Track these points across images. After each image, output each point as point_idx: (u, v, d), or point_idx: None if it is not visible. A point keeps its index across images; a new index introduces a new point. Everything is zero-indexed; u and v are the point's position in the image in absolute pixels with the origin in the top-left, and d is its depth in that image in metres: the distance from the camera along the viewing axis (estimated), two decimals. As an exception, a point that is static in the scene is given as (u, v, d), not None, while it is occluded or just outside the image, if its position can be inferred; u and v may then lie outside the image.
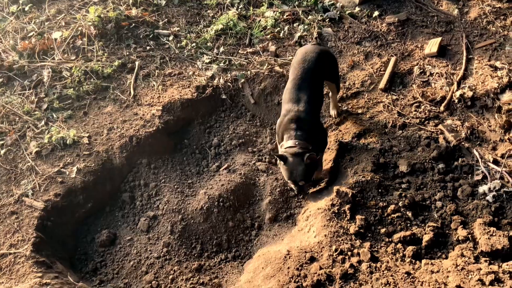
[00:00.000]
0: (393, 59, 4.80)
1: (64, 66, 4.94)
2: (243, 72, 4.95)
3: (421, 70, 4.75)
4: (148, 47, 5.28)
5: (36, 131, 4.36)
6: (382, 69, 4.75)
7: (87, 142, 4.28)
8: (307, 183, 3.76)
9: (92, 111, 4.62)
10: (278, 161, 3.78)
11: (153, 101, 4.71)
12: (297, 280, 3.09)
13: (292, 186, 3.88)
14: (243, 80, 4.91)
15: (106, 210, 4.15)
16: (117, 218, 4.11)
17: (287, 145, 3.68)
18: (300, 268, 3.17)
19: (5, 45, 5.15)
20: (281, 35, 5.33)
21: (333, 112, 4.54)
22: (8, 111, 4.51)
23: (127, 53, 5.20)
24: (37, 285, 3.25)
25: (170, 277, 3.59)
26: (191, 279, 3.58)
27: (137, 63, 5.07)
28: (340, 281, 3.00)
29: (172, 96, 4.74)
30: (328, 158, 4.20)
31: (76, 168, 4.05)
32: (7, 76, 4.90)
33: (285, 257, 3.34)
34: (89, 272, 3.74)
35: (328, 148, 4.31)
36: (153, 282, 3.56)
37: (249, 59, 5.10)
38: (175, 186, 4.26)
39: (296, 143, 3.64)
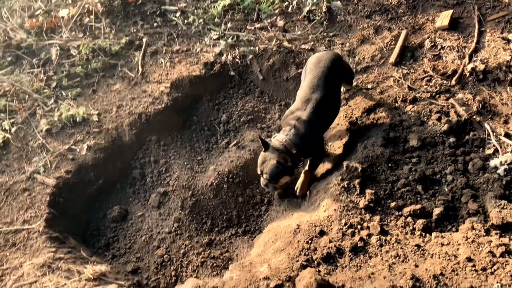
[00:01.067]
0: (403, 33, 4.72)
1: (72, 44, 4.94)
2: (251, 48, 4.90)
3: (432, 44, 4.66)
4: (155, 24, 5.24)
5: (46, 109, 4.38)
6: (392, 43, 4.68)
7: (97, 119, 4.29)
8: (270, 181, 3.63)
9: (100, 89, 4.62)
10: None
11: (161, 78, 4.69)
12: (307, 253, 3.11)
13: (260, 177, 3.75)
14: (251, 56, 4.87)
15: (117, 187, 4.20)
16: (128, 194, 4.15)
17: (277, 136, 3.66)
18: (310, 241, 3.19)
19: (13, 24, 5.14)
20: (289, 9, 5.25)
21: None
22: (17, 89, 4.53)
23: (134, 30, 5.17)
24: (51, 259, 3.31)
25: (182, 251, 3.64)
26: (202, 253, 3.63)
27: (144, 40, 5.04)
28: (350, 254, 3.01)
29: (180, 73, 4.72)
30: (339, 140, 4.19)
31: (86, 146, 4.08)
32: (15, 55, 4.91)
33: (295, 231, 3.35)
34: (102, 247, 3.80)
35: (338, 124, 4.29)
36: (165, 256, 3.61)
37: (257, 35, 5.04)
38: (185, 163, 4.28)
39: (284, 140, 3.59)
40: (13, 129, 4.20)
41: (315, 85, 3.73)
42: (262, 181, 3.72)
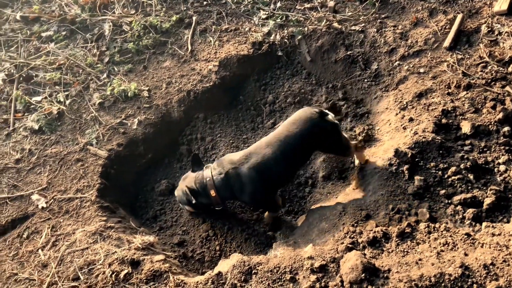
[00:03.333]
0: (459, 17, 4.56)
1: (124, 20, 5.03)
2: (300, 28, 4.86)
3: (489, 29, 4.49)
4: (205, 2, 5.27)
5: (98, 83, 4.51)
6: (447, 27, 4.53)
7: (147, 95, 4.39)
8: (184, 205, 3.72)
9: (151, 65, 4.71)
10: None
11: (209, 57, 4.73)
12: (352, 235, 3.11)
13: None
14: (299, 36, 4.83)
15: (165, 162, 4.30)
16: (175, 169, 4.25)
17: (205, 171, 3.50)
18: (355, 224, 3.19)
19: (68, -1, 5.29)
20: (340, -10, 5.16)
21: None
22: (72, 63, 4.68)
23: (185, 8, 5.21)
24: (102, 227, 3.44)
25: (226, 227, 3.71)
26: (246, 230, 3.69)
27: (194, 18, 5.08)
28: (396, 239, 2.99)
29: (229, 52, 4.75)
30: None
31: (137, 120, 4.19)
32: (70, 29, 5.06)
33: (340, 213, 3.36)
34: (149, 219, 3.92)
35: (387, 108, 4.22)
36: (210, 231, 3.69)
37: (307, 15, 4.99)
38: (230, 141, 4.33)
39: (208, 179, 3.43)
40: (67, 101, 4.35)
41: (272, 142, 3.39)
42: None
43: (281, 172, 3.47)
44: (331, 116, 3.49)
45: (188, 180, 3.55)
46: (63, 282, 3.05)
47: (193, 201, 3.49)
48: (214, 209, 3.70)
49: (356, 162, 3.86)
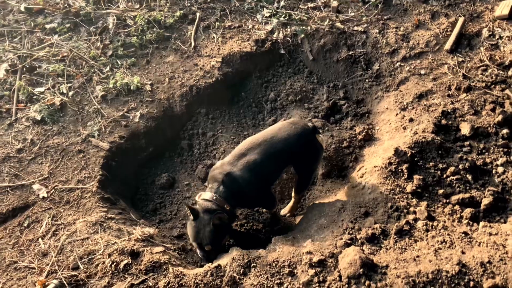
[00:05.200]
0: (461, 20, 4.61)
1: (128, 14, 5.05)
2: (303, 27, 4.89)
3: (490, 33, 4.54)
4: (209, -1, 5.30)
5: (101, 76, 4.52)
6: (448, 30, 4.58)
7: (150, 89, 4.41)
8: (214, 249, 3.15)
9: (154, 60, 4.73)
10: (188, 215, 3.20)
11: (213, 53, 4.76)
12: (351, 232, 3.14)
13: (198, 250, 3.23)
14: (302, 35, 4.86)
15: (166, 156, 4.32)
16: (175, 163, 4.27)
17: (203, 195, 3.20)
18: (354, 221, 3.22)
19: (73, -8, 5.30)
20: (344, -9, 5.20)
21: (284, 210, 3.93)
22: (75, 55, 4.69)
23: (189, 4, 5.24)
24: (103, 218, 3.45)
25: (226, 221, 3.73)
26: (246, 225, 3.71)
27: (198, 14, 5.10)
28: (395, 236, 3.02)
29: (232, 48, 4.77)
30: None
31: (139, 113, 4.21)
32: (74, 22, 5.07)
33: (339, 210, 3.39)
34: (149, 211, 3.94)
35: (387, 108, 4.26)
36: (210, 225, 3.71)
37: (310, 14, 5.02)
38: (232, 137, 4.36)
39: (214, 197, 3.14)
40: (70, 93, 4.36)
41: (256, 145, 3.32)
42: (201, 254, 3.21)
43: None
44: (321, 137, 3.50)
45: (203, 221, 3.07)
46: (62, 271, 3.07)
47: (227, 221, 3.15)
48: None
49: (284, 210, 3.89)
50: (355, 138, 4.20)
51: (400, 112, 4.09)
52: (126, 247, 3.17)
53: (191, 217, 3.07)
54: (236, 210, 3.41)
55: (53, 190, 3.67)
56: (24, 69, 4.60)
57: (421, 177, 3.42)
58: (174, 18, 5.04)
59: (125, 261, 3.08)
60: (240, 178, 3.21)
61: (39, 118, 4.14)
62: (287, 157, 3.43)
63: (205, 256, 3.18)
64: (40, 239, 3.34)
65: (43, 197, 3.62)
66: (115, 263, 3.07)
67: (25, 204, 3.60)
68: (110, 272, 3.03)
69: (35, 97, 4.36)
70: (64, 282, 2.98)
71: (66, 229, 3.40)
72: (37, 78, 4.54)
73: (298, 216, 3.86)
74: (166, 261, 3.10)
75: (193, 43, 4.83)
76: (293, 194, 3.75)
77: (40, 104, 4.24)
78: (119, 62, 4.67)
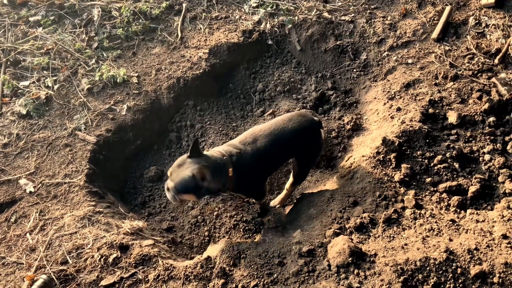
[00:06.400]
0: (447, 8, 4.62)
1: (113, 5, 4.99)
2: (291, 17, 4.87)
3: (477, 21, 4.55)
4: (195, -11, 5.25)
5: (87, 68, 4.47)
6: (435, 19, 4.59)
7: (136, 81, 4.36)
8: (175, 191, 2.91)
9: (140, 52, 4.69)
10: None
11: (200, 44, 4.72)
12: (340, 221, 3.16)
13: (167, 182, 2.99)
14: (290, 25, 4.84)
15: (154, 148, 4.29)
16: (164, 156, 4.25)
17: (219, 148, 3.18)
18: (343, 210, 3.23)
19: (56, -17, 5.21)
20: (331, -20, 5.18)
21: (275, 201, 3.89)
22: (60, 48, 4.63)
23: (175, -5, 5.18)
24: (91, 212, 3.43)
25: (215, 213, 3.73)
26: (235, 216, 3.71)
27: (184, 5, 5.05)
28: (383, 225, 3.04)
29: (219, 39, 4.74)
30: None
31: (126, 106, 4.17)
32: (58, 14, 5.00)
33: (328, 200, 3.40)
34: (138, 204, 3.93)
35: (375, 98, 4.27)
36: (199, 217, 3.71)
37: (297, 4, 5.00)
38: (220, 129, 4.34)
39: (229, 151, 3.10)
40: (55, 87, 4.31)
41: (267, 134, 3.26)
42: (166, 186, 2.97)
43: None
44: (323, 133, 3.51)
45: (191, 163, 2.87)
46: (51, 265, 3.05)
47: (205, 185, 2.89)
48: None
49: (274, 201, 3.87)
50: (343, 128, 4.21)
51: (387, 102, 4.10)
52: (115, 240, 3.16)
53: (189, 152, 2.90)
54: (227, 191, 3.32)
55: (40, 184, 3.64)
56: (8, 63, 4.53)
57: (409, 166, 3.44)
58: (160, 9, 4.98)
59: (114, 255, 3.07)
60: (247, 160, 3.14)
61: (24, 112, 4.09)
62: (294, 149, 3.41)
63: (167, 189, 2.97)
64: (28, 234, 3.31)
65: (30, 192, 3.58)
66: (104, 257, 3.06)
67: (12, 199, 3.56)
68: (99, 266, 3.02)
69: (20, 91, 4.30)
70: (53, 276, 2.96)
71: (54, 224, 3.38)
72: (22, 71, 4.47)
73: (287, 207, 3.87)
74: (156, 254, 3.10)
75: (179, 35, 4.79)
76: (286, 186, 3.74)
77: (25, 98, 4.19)
78: (104, 54, 4.61)
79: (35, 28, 4.85)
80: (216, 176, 2.94)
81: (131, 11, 4.91)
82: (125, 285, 2.90)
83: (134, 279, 2.94)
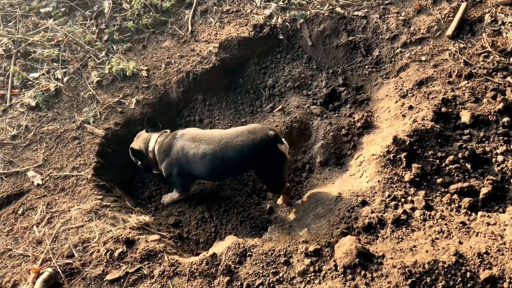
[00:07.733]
0: (463, 5, 4.52)
1: (124, -2, 4.96)
2: (302, 12, 4.81)
3: (493, 19, 4.45)
4: (206, -18, 5.19)
5: (97, 61, 4.45)
6: (450, 15, 4.49)
7: (146, 75, 4.34)
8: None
9: (150, 45, 4.66)
10: None
11: (210, 38, 4.68)
12: (347, 221, 3.12)
13: None
14: (301, 20, 4.78)
15: (162, 142, 4.27)
16: (172, 150, 4.22)
17: (158, 137, 3.67)
18: (351, 210, 3.19)
19: (68, -25, 5.19)
20: (344, -26, 5.09)
21: (279, 201, 3.90)
22: (70, 40, 4.62)
23: (186, -12, 5.14)
24: (98, 206, 3.43)
25: (222, 209, 3.70)
26: (242, 213, 3.68)
27: (195, -2, 5.01)
28: (392, 226, 3.00)
29: (229, 33, 4.69)
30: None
31: (135, 100, 4.15)
32: (69, 6, 4.99)
33: (336, 198, 3.36)
34: (145, 199, 3.92)
35: (387, 96, 4.20)
36: (205, 213, 3.69)
37: (309, -1, 4.93)
38: (229, 124, 4.31)
39: (156, 142, 3.65)
40: (65, 79, 4.30)
41: (210, 141, 3.35)
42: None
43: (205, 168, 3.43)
44: (284, 146, 3.36)
45: (137, 140, 3.75)
46: (57, 259, 3.05)
47: (138, 163, 3.76)
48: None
49: (279, 200, 3.87)
50: (353, 126, 4.15)
51: (399, 99, 4.03)
52: (121, 235, 3.15)
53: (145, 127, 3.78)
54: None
55: (48, 177, 3.64)
56: (19, 54, 4.53)
57: (420, 165, 3.38)
58: (171, 2, 4.95)
59: (120, 249, 3.06)
60: (176, 152, 3.45)
61: (33, 104, 4.09)
62: (239, 165, 3.46)
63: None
64: (34, 227, 3.31)
65: (38, 184, 3.58)
66: (110, 251, 3.05)
67: (20, 191, 3.57)
68: (105, 260, 3.01)
69: (29, 82, 4.30)
70: (59, 270, 2.96)
71: (61, 217, 3.38)
72: (32, 63, 4.48)
73: (295, 205, 3.83)
74: (162, 250, 3.08)
75: (190, 28, 4.75)
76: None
77: (34, 90, 4.18)
78: (114, 47, 4.59)
79: (45, 20, 4.85)
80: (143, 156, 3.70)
81: (142, 4, 4.89)
82: (130, 280, 2.89)
83: (139, 274, 2.93)
